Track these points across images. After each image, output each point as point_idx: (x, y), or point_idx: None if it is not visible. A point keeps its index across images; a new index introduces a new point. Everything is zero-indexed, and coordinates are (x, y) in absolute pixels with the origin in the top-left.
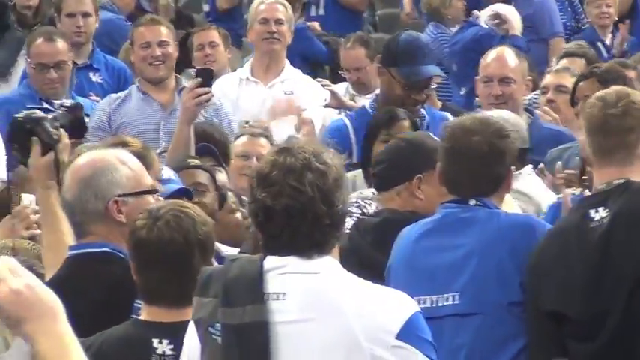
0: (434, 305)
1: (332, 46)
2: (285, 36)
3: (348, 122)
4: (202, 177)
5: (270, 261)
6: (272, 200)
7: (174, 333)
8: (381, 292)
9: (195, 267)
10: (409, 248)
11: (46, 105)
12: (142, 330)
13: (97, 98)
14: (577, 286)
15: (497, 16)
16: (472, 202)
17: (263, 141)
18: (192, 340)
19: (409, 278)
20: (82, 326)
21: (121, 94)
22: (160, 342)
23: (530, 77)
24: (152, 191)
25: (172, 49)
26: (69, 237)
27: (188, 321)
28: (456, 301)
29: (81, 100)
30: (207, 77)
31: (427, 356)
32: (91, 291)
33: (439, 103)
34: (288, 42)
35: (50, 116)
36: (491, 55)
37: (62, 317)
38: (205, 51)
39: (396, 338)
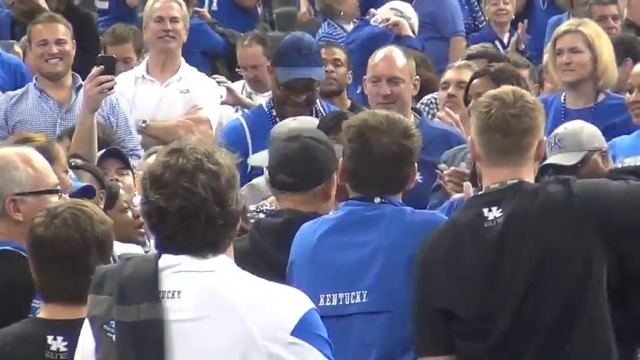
0: (340, 303)
1: (228, 37)
2: (181, 34)
3: (244, 122)
4: (85, 177)
5: (165, 260)
6: (165, 202)
7: (70, 330)
8: (276, 290)
9: (92, 265)
10: (311, 245)
11: None
12: (37, 327)
13: None
14: (469, 286)
15: (387, 20)
16: (377, 199)
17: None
18: (86, 338)
19: (313, 275)
20: None
21: (18, 91)
22: (55, 339)
23: (417, 77)
24: (53, 191)
25: (70, 47)
26: None
27: (84, 318)
28: (364, 300)
29: None
30: (109, 65)
31: (322, 352)
32: None
33: (348, 102)
34: (184, 40)
35: None
36: (379, 55)
37: None
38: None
39: (291, 335)
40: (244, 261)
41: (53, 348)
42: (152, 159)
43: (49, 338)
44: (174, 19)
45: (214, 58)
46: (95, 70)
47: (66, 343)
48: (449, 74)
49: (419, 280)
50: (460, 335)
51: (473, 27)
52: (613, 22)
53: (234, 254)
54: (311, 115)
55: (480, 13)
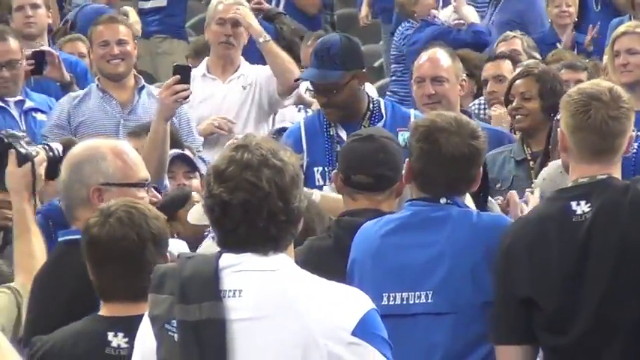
0: (404, 303)
1: (287, 35)
2: (241, 38)
3: (302, 126)
4: None
5: (226, 259)
6: (228, 195)
7: (130, 327)
8: (337, 290)
9: (149, 261)
10: (375, 244)
11: (0, 103)
12: (98, 324)
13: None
14: (552, 278)
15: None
16: (443, 200)
17: None
18: (146, 336)
19: (376, 274)
20: (59, 314)
21: (80, 92)
22: (115, 335)
23: (464, 78)
24: (139, 184)
25: (131, 47)
26: (39, 249)
27: (143, 315)
28: (429, 300)
29: (35, 96)
30: (185, 74)
31: (382, 354)
32: (69, 279)
33: None
34: (245, 42)
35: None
36: (423, 56)
37: None
38: (26, 11)
39: (352, 335)
40: (327, 259)
41: (114, 344)
42: None
43: (110, 335)
44: (236, 24)
45: None
46: (171, 79)
47: (127, 339)
48: (486, 70)
49: (502, 269)
50: (541, 327)
51: None
52: None
53: (316, 252)
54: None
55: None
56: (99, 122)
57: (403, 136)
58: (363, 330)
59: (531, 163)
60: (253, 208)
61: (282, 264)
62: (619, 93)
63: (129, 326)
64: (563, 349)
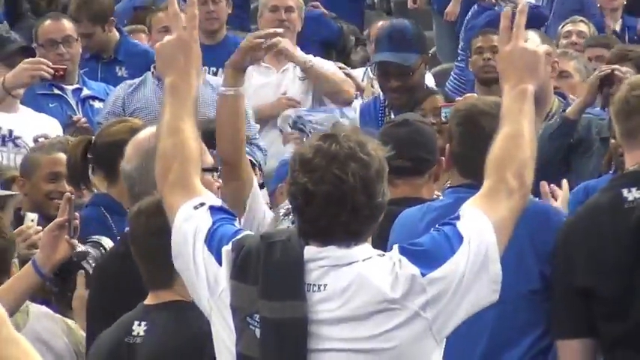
0: None
1: (341, 27)
2: (295, 23)
3: (357, 111)
4: None
5: (310, 251)
6: (313, 185)
7: (152, 315)
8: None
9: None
10: (418, 231)
11: (56, 90)
12: (133, 313)
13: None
14: (610, 265)
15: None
16: None
17: None
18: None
19: None
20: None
21: (136, 80)
22: (139, 324)
23: (556, 60)
24: (211, 169)
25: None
26: None
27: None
28: None
29: (93, 85)
30: None
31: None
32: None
33: None
34: (299, 29)
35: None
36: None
37: (8, 322)
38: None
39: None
40: None
41: (134, 333)
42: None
43: (135, 324)
44: (289, 9)
45: (328, 47)
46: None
47: (146, 327)
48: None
49: (559, 261)
50: (601, 316)
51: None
52: None
53: None
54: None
55: None
56: (153, 109)
57: (445, 113)
58: (423, 264)
59: None
60: (337, 201)
61: (364, 254)
62: None
63: (151, 315)
64: (623, 336)
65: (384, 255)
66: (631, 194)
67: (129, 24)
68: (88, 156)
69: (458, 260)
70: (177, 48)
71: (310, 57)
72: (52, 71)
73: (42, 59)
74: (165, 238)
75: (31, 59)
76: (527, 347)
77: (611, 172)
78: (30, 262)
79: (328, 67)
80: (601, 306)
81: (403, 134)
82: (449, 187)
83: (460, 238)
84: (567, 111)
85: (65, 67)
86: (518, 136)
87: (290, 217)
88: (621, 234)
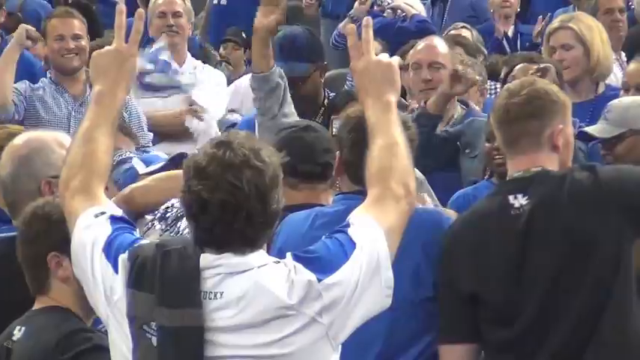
0: None
1: None
2: (185, 28)
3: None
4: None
5: (206, 259)
6: (208, 193)
7: (31, 320)
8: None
9: None
10: (307, 237)
11: None
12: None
13: None
14: (495, 272)
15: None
16: None
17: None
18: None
19: None
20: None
21: (34, 85)
22: (20, 329)
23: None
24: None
25: (85, 42)
26: None
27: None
28: None
29: None
30: None
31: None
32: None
33: None
34: (189, 34)
35: None
36: (420, 43)
37: None
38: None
39: (319, 282)
40: None
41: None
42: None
43: (17, 328)
44: (176, 14)
45: None
46: None
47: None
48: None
49: (445, 266)
50: (486, 321)
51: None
52: (620, 15)
53: None
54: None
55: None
56: (51, 113)
57: (335, 125)
58: (320, 270)
59: None
60: (231, 209)
61: (259, 261)
62: (531, 81)
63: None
64: (508, 342)
65: (279, 262)
66: (517, 201)
67: None
68: None
69: (352, 266)
70: (112, 59)
71: (192, 78)
72: None
73: None
74: (41, 245)
75: None
76: (417, 354)
77: (486, 178)
78: None
79: (206, 86)
80: (486, 311)
81: (312, 139)
82: (339, 194)
83: (353, 245)
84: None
85: None
86: (393, 144)
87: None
88: (507, 241)
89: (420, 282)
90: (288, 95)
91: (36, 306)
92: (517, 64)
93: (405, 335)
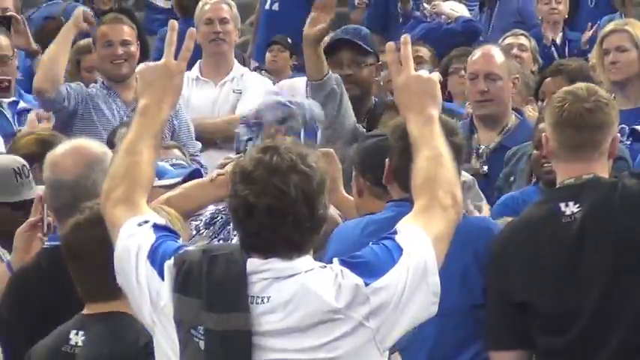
0: None
1: None
2: (232, 35)
3: None
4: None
5: (253, 263)
6: (254, 198)
7: (89, 326)
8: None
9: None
10: (356, 245)
11: None
12: (71, 322)
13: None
14: (547, 280)
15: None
16: None
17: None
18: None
19: None
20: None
21: (87, 89)
22: (77, 333)
23: (517, 76)
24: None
25: (135, 48)
26: None
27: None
28: None
29: (30, 98)
30: None
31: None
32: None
33: None
34: (235, 41)
35: None
36: (477, 52)
37: None
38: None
39: (366, 285)
40: None
41: (72, 342)
42: None
43: (72, 333)
44: (223, 20)
45: None
46: None
47: (84, 338)
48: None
49: (494, 275)
50: (538, 329)
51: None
52: None
53: None
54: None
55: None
56: (104, 118)
57: None
58: (367, 275)
59: None
60: (278, 214)
61: (306, 266)
62: (595, 89)
63: (88, 325)
64: (560, 350)
65: (325, 266)
66: (568, 208)
67: (37, 34)
68: None
69: (399, 270)
70: (160, 74)
71: (237, 86)
72: None
73: None
74: (106, 249)
75: None
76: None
77: (533, 182)
78: (4, 264)
79: (252, 93)
80: (538, 319)
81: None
82: (389, 201)
83: (400, 250)
84: None
85: (10, 78)
86: (438, 155)
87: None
88: (559, 249)
89: (469, 289)
90: (346, 102)
91: (90, 311)
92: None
93: (453, 342)
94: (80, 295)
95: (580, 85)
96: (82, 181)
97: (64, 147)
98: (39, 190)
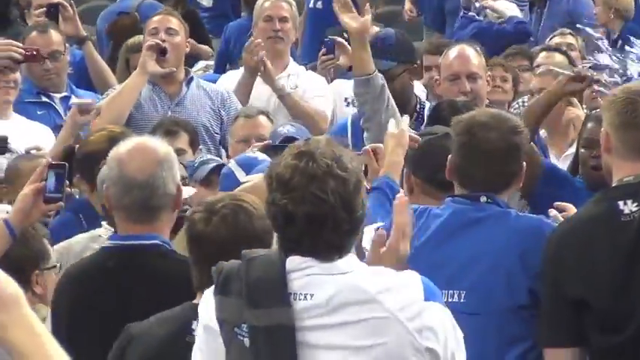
0: None
1: None
2: (289, 34)
3: (349, 122)
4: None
5: (294, 262)
6: (293, 206)
7: None
8: (394, 274)
9: None
10: (418, 237)
11: (44, 98)
12: (189, 312)
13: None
14: (605, 278)
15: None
16: (483, 198)
17: (262, 119)
18: (209, 339)
19: (415, 268)
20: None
21: None
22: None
23: (489, 74)
24: None
25: (180, 40)
26: None
27: None
28: (462, 300)
29: (82, 93)
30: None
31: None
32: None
33: None
34: (293, 39)
35: None
36: (453, 53)
37: (25, 303)
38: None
39: (425, 301)
40: None
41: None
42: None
43: (194, 323)
44: (283, 19)
45: None
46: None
47: None
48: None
49: (551, 271)
50: (593, 327)
51: None
52: None
53: None
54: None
55: None
56: (147, 112)
57: None
58: (429, 294)
59: None
60: (318, 221)
61: (349, 266)
62: None
63: None
64: (617, 347)
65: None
66: (627, 207)
67: (110, 28)
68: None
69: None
70: None
71: (293, 83)
72: (22, 52)
73: (13, 41)
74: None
75: (2, 41)
76: (514, 358)
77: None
78: (2, 222)
79: (311, 94)
80: (594, 317)
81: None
82: (449, 197)
83: None
84: None
85: (37, 48)
86: None
87: None
88: (617, 247)
89: (514, 288)
90: (392, 100)
91: None
92: None
93: (499, 341)
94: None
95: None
96: (152, 180)
97: (129, 145)
98: (46, 156)
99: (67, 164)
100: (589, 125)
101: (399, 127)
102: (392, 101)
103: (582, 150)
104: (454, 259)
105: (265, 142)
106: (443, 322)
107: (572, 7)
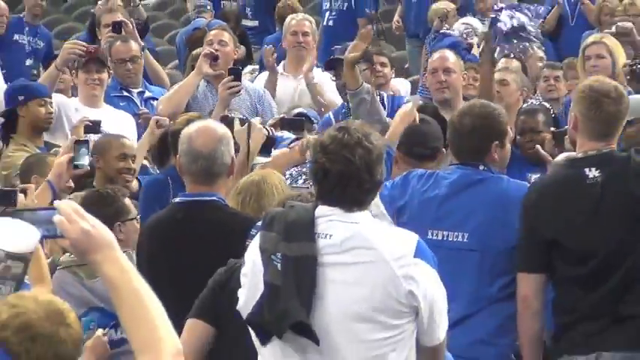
0: (444, 239)
1: None
2: (311, 45)
3: (332, 116)
4: None
5: (321, 210)
6: (329, 164)
7: None
8: (395, 229)
9: None
10: (427, 192)
11: (125, 93)
12: None
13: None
14: (575, 225)
15: (468, 25)
16: (481, 167)
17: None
18: (255, 262)
19: (425, 214)
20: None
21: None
22: None
23: (466, 72)
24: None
25: (230, 49)
26: None
27: None
28: (465, 240)
29: (153, 88)
30: (237, 75)
31: (433, 269)
32: None
33: None
34: (313, 47)
35: None
36: (435, 55)
37: (117, 246)
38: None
39: (414, 257)
40: None
41: None
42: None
43: None
44: (305, 34)
45: None
46: (227, 78)
47: None
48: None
49: (530, 216)
50: (562, 260)
51: None
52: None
53: None
54: None
55: None
56: (204, 106)
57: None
58: (419, 253)
59: None
60: (346, 177)
61: (363, 218)
62: (621, 91)
63: None
64: (580, 277)
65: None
66: (591, 173)
67: (188, 40)
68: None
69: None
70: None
71: (316, 74)
72: (84, 49)
73: (78, 42)
74: None
75: (69, 41)
76: (499, 287)
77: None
78: (46, 182)
79: (326, 88)
80: (563, 252)
81: (425, 129)
82: (452, 164)
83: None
84: None
85: (96, 46)
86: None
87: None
88: (583, 203)
89: (506, 233)
90: (378, 107)
91: None
92: None
93: (491, 273)
94: None
95: (610, 87)
96: (213, 153)
97: (196, 126)
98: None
99: (89, 140)
100: (522, 118)
101: (414, 104)
102: (377, 105)
103: (519, 137)
104: (461, 208)
105: (281, 115)
106: (427, 277)
107: None
